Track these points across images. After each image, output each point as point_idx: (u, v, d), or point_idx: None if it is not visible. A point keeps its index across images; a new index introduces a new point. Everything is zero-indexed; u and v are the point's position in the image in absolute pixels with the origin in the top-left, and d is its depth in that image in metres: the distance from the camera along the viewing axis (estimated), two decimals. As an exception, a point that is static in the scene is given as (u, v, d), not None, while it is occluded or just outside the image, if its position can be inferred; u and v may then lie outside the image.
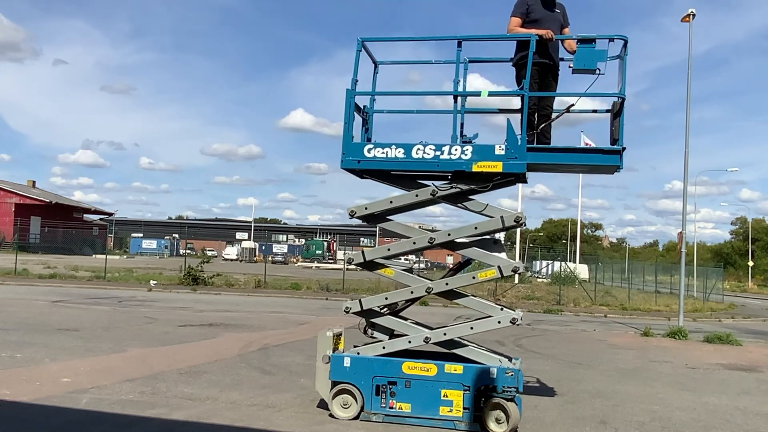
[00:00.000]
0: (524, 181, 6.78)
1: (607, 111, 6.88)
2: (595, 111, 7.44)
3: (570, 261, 54.51)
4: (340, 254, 66.91)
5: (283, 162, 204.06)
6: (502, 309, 6.33)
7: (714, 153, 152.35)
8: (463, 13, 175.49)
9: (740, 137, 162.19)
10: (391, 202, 6.54)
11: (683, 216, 18.52)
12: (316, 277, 34.93)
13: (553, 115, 6.93)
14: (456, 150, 6.26)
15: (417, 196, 6.48)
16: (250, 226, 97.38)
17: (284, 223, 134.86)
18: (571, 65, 6.46)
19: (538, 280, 43.45)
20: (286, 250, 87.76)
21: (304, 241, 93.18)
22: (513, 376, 5.95)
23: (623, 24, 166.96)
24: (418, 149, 6.31)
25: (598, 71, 6.28)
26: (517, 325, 6.23)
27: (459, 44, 6.66)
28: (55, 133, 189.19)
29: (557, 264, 41.86)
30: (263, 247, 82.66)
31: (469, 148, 6.24)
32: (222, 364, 9.19)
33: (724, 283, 43.66)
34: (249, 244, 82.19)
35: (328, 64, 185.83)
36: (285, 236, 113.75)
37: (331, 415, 6.27)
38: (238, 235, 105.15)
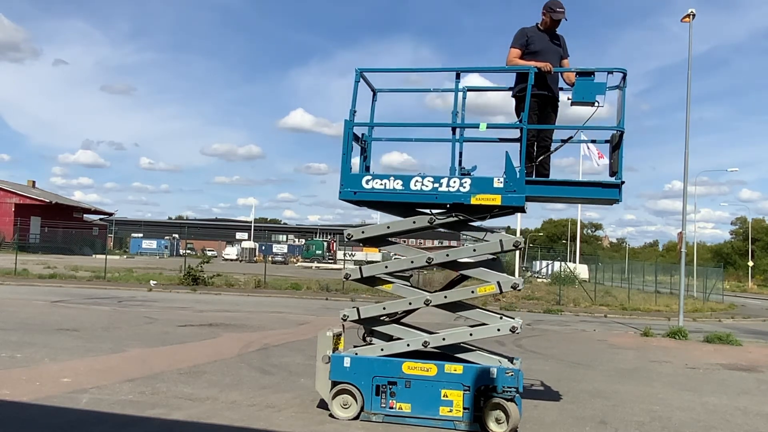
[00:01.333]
0: (523, 212, 6.72)
1: (606, 141, 6.87)
2: (593, 141, 7.43)
3: (570, 261, 54.47)
4: (340, 254, 66.96)
5: (283, 162, 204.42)
6: (501, 318, 6.33)
7: (714, 153, 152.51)
8: (464, 13, 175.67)
9: (740, 137, 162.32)
10: (388, 227, 6.54)
11: (683, 216, 18.55)
12: (316, 277, 34.95)
13: (552, 147, 6.91)
14: (454, 182, 6.24)
15: (414, 222, 6.48)
16: (250, 226, 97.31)
17: (284, 223, 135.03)
18: (570, 98, 6.43)
19: (538, 280, 43.42)
20: (286, 250, 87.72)
21: (304, 241, 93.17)
22: (513, 376, 5.96)
23: (624, 24, 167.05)
24: (417, 181, 6.29)
25: (596, 104, 6.26)
26: (517, 333, 6.24)
27: (457, 76, 6.62)
28: (55, 133, 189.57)
29: (557, 264, 41.84)
30: (263, 247, 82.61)
31: (467, 181, 6.22)
32: (222, 364, 9.19)
33: (724, 283, 43.65)
34: (249, 244, 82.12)
35: (328, 64, 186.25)
36: (285, 236, 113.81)
37: (331, 415, 6.27)
38: (238, 235, 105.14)
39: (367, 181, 6.43)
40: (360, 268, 6.56)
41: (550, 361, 11.14)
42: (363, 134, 6.88)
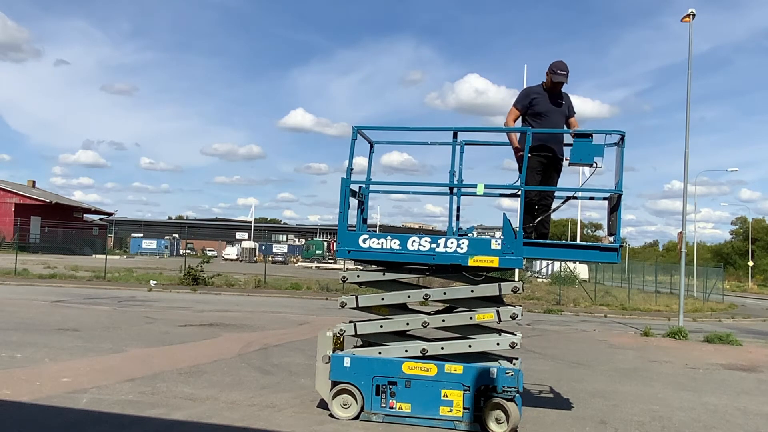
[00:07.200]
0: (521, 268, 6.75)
1: (604, 199, 6.87)
2: (592, 198, 7.43)
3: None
4: (339, 254, 66.86)
5: (283, 162, 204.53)
6: (500, 334, 6.34)
7: (714, 153, 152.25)
8: (465, 12, 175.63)
9: (740, 137, 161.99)
10: (384, 274, 6.51)
11: (683, 216, 18.55)
12: (316, 277, 34.96)
13: (553, 206, 6.90)
14: (452, 243, 6.19)
15: (409, 297, 6.44)
16: (250, 226, 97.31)
17: (284, 223, 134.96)
18: (568, 158, 6.42)
19: (538, 280, 43.43)
20: (286, 250, 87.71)
21: (304, 241, 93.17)
22: (513, 376, 5.96)
23: (625, 23, 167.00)
24: (414, 241, 6.26)
25: (595, 165, 6.24)
26: (516, 348, 6.23)
27: (455, 135, 6.57)
28: (56, 133, 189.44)
29: (557, 264, 41.82)
30: (263, 247, 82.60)
31: (465, 242, 6.18)
32: (222, 364, 9.19)
33: (724, 283, 43.66)
34: (249, 244, 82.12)
35: (328, 64, 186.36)
36: (285, 236, 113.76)
37: (331, 415, 6.27)
38: (238, 235, 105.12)
39: (364, 240, 6.37)
40: (356, 298, 6.50)
41: (550, 361, 11.15)
42: (360, 187, 6.79)
